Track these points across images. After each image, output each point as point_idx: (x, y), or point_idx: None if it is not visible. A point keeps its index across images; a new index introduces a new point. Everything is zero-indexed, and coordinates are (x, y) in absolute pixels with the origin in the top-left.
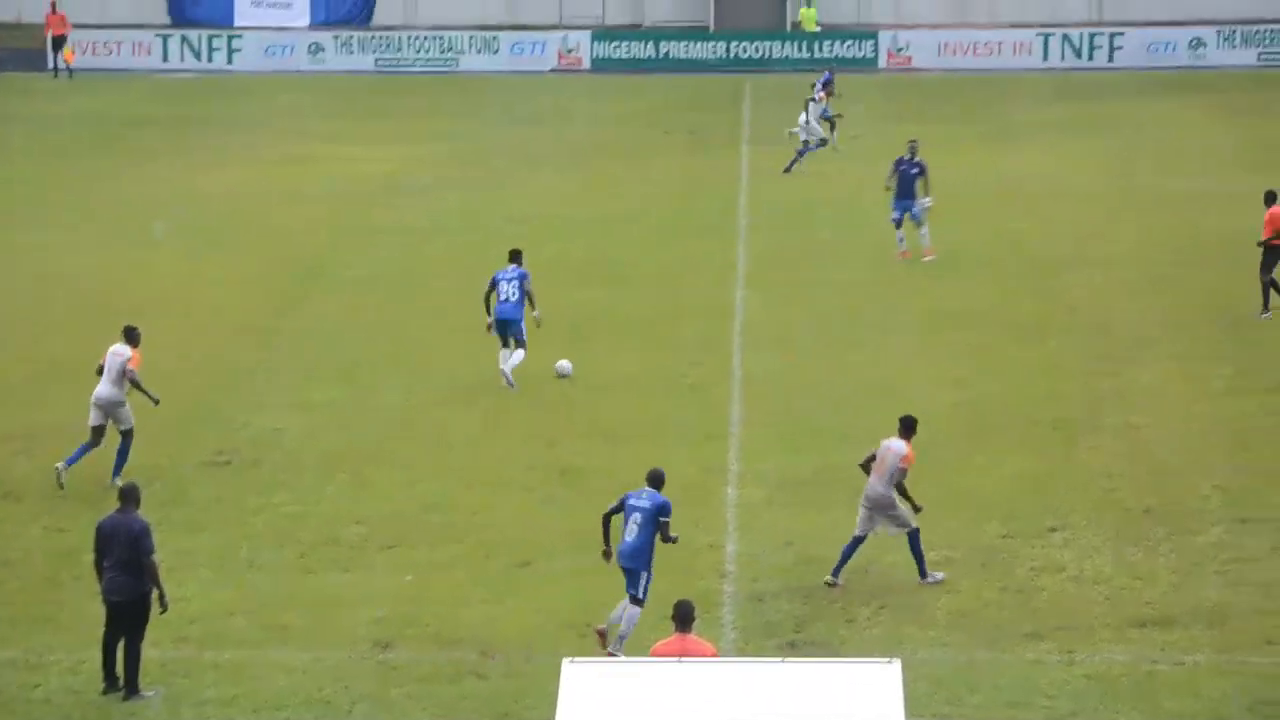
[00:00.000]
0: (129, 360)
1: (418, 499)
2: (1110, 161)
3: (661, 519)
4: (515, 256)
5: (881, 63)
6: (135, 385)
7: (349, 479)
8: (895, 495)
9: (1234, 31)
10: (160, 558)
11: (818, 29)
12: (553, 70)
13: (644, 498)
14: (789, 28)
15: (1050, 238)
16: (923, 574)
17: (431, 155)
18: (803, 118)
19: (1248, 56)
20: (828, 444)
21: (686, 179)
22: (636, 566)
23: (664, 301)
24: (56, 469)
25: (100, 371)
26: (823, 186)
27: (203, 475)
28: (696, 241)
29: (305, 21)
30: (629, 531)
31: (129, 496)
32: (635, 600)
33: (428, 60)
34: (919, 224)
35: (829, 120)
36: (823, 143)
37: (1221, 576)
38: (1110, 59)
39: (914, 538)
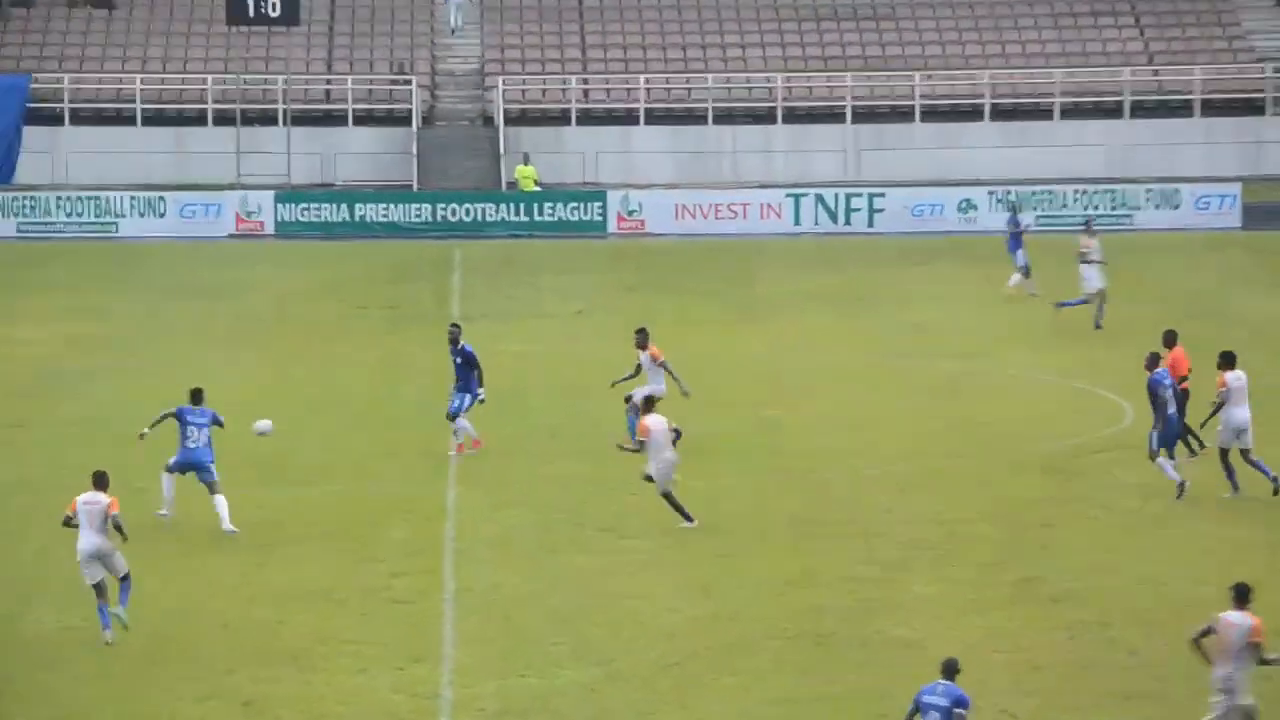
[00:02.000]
0: (110, 506)
1: None
2: (873, 339)
3: (957, 710)
4: (197, 396)
5: (610, 226)
6: (119, 529)
7: None
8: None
9: (1008, 192)
10: None
11: (537, 189)
12: (230, 236)
13: (939, 693)
14: (504, 187)
15: (809, 427)
16: None
17: (87, 335)
18: (1086, 269)
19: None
20: (553, 664)
21: (387, 360)
22: None
23: (361, 502)
24: (105, 641)
25: (68, 523)
26: (539, 368)
27: None
28: (399, 432)
29: None
30: None
31: None
32: None
33: (81, 225)
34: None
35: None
36: (1086, 301)
37: None
38: (870, 223)
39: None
